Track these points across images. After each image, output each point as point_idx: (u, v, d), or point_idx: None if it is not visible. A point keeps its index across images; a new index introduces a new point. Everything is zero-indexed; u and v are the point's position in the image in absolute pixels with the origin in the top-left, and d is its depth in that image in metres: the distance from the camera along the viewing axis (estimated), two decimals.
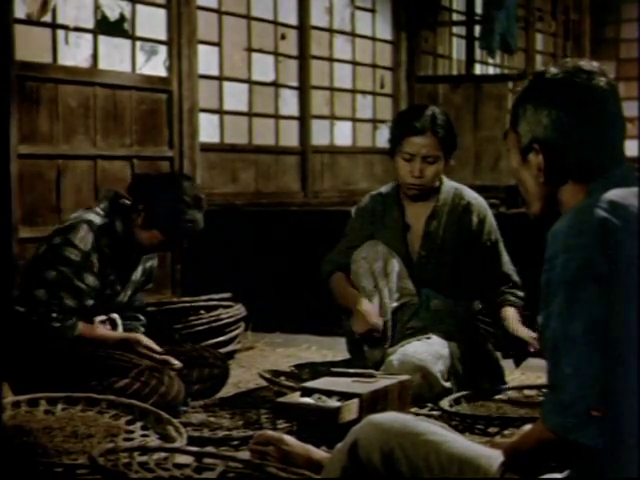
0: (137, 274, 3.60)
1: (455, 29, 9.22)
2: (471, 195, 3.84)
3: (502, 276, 3.75)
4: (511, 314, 3.64)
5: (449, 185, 3.81)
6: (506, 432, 3.06)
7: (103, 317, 3.49)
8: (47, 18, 5.13)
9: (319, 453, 2.44)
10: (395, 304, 3.68)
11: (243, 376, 4.09)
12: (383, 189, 3.91)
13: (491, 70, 9.70)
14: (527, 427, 2.14)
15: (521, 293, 3.72)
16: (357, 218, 3.87)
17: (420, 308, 3.73)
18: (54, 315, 3.28)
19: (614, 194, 1.79)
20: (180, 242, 3.70)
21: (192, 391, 3.49)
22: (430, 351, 3.56)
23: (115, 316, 3.53)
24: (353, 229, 3.86)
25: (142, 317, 3.70)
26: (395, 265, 3.71)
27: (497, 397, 3.53)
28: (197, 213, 3.46)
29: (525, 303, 3.70)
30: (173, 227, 3.45)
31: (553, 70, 1.92)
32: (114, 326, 3.50)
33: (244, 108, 6.83)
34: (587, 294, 1.71)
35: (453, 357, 3.62)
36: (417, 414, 3.15)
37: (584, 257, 1.72)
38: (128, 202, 3.50)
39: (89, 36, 5.40)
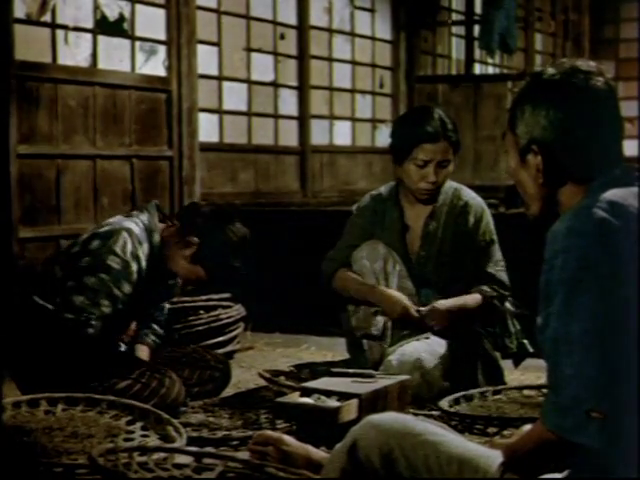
0: (162, 290, 3.60)
1: (454, 29, 9.21)
2: (469, 195, 3.84)
3: (486, 276, 3.74)
4: (462, 296, 3.65)
5: (448, 185, 3.81)
6: (505, 432, 3.07)
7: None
8: (47, 18, 5.12)
9: (318, 453, 2.44)
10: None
11: (242, 376, 4.09)
12: (382, 189, 3.91)
13: (490, 70, 9.70)
14: (527, 427, 2.15)
15: (505, 291, 3.72)
16: (358, 217, 3.87)
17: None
18: (92, 323, 3.27)
19: (613, 194, 1.79)
20: (218, 285, 3.72)
21: (192, 393, 3.50)
22: (429, 351, 3.56)
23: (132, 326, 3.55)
24: (354, 228, 3.86)
25: (159, 330, 3.69)
26: (395, 265, 3.71)
27: (496, 397, 3.52)
28: (243, 259, 3.48)
29: (520, 302, 3.70)
30: (220, 273, 3.46)
31: (550, 71, 1.92)
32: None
33: (243, 108, 6.82)
34: (587, 294, 1.71)
35: (452, 357, 3.62)
36: (416, 414, 3.15)
37: (583, 257, 1.72)
38: (171, 223, 3.49)
39: (88, 36, 5.39)
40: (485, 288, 3.71)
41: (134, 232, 3.36)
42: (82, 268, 3.31)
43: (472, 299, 3.69)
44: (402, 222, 3.81)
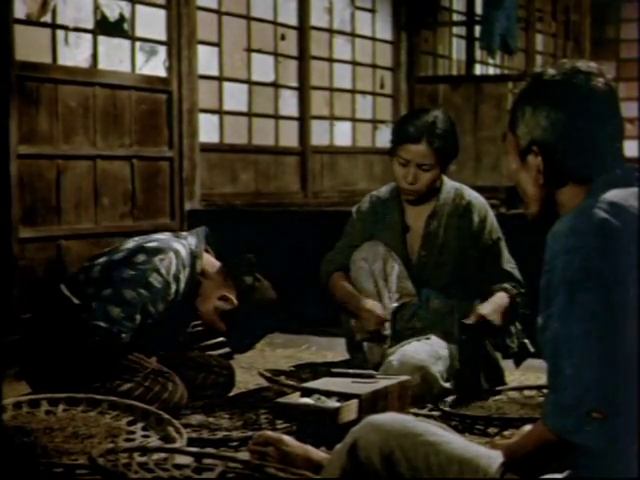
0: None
1: (455, 29, 9.21)
2: (472, 195, 3.83)
3: (504, 274, 3.74)
4: (494, 298, 3.59)
5: (450, 185, 3.81)
6: (506, 432, 3.07)
7: None
8: (47, 18, 5.12)
9: (318, 454, 2.44)
10: (395, 304, 3.68)
11: (242, 377, 4.08)
12: (383, 190, 3.91)
13: (491, 70, 9.70)
14: (527, 427, 2.14)
15: (523, 290, 3.70)
16: (358, 218, 3.87)
17: (420, 308, 3.73)
18: (123, 336, 3.27)
19: (614, 195, 1.79)
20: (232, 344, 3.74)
21: (195, 397, 3.49)
22: (430, 351, 3.56)
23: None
24: (354, 229, 3.86)
25: None
26: (395, 266, 3.70)
27: (497, 397, 3.52)
28: (265, 330, 3.54)
29: (525, 303, 3.69)
30: (240, 335, 3.48)
31: (551, 71, 1.92)
32: None
33: (244, 108, 6.82)
34: (588, 295, 1.71)
35: (453, 357, 3.62)
36: (417, 415, 3.15)
37: (584, 258, 1.72)
38: (213, 255, 3.49)
39: (89, 36, 5.39)
40: (508, 286, 3.68)
41: (181, 255, 3.36)
42: (123, 280, 3.30)
43: (502, 299, 3.62)
44: (403, 222, 3.81)
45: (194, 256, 3.42)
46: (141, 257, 3.33)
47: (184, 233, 3.56)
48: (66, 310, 3.32)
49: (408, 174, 3.67)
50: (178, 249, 3.36)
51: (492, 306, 3.56)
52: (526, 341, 3.71)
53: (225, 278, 3.46)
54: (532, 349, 3.68)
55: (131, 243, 3.42)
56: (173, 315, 3.47)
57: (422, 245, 3.78)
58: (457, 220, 3.78)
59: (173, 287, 3.33)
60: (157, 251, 3.33)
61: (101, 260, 3.43)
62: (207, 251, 3.52)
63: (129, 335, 3.29)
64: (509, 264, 3.77)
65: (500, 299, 3.62)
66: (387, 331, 3.64)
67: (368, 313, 3.58)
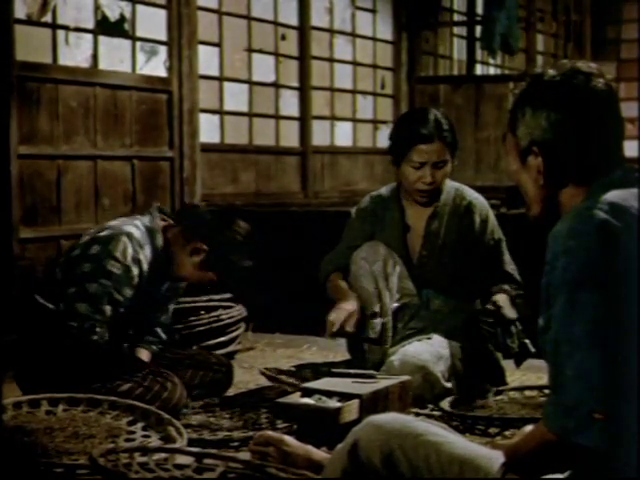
0: (163, 290, 3.59)
1: (456, 29, 9.21)
2: (472, 195, 3.83)
3: (504, 275, 3.74)
4: (502, 298, 3.59)
5: (450, 185, 3.81)
6: (507, 433, 3.07)
7: None
8: (47, 18, 5.12)
9: (319, 454, 2.44)
10: (396, 304, 3.68)
11: (243, 377, 4.09)
12: (383, 190, 3.91)
13: (492, 71, 9.70)
14: (528, 428, 2.14)
15: (522, 292, 3.71)
16: (357, 218, 3.87)
17: (420, 308, 3.73)
18: (97, 330, 3.27)
19: (614, 195, 1.79)
20: (229, 285, 3.72)
21: (193, 395, 3.50)
22: (431, 351, 3.56)
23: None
24: (353, 229, 3.86)
25: (162, 334, 3.68)
26: (395, 266, 3.70)
27: (498, 398, 3.52)
28: (251, 258, 3.48)
29: (525, 304, 3.69)
30: (232, 275, 3.46)
31: (551, 72, 1.92)
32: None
33: (244, 108, 6.82)
34: (588, 296, 1.70)
35: (454, 357, 3.62)
36: (418, 415, 3.16)
37: (585, 259, 1.72)
38: (172, 222, 3.49)
39: (89, 36, 5.39)
40: (507, 287, 3.69)
41: (134, 236, 3.35)
42: (83, 274, 3.30)
43: (504, 299, 3.64)
44: (403, 222, 3.80)
45: (151, 232, 3.42)
46: (95, 248, 3.33)
47: (137, 215, 3.55)
48: (45, 318, 3.33)
49: (425, 175, 3.66)
50: (130, 231, 3.36)
51: (505, 300, 3.57)
52: (527, 341, 3.71)
53: (187, 235, 3.45)
54: (533, 349, 3.68)
55: (85, 237, 3.42)
56: (155, 292, 3.50)
57: (423, 245, 3.78)
58: (458, 220, 3.78)
59: (135, 270, 3.33)
60: (109, 238, 3.33)
61: (61, 260, 3.46)
62: (165, 220, 3.50)
63: (105, 328, 3.28)
64: (510, 266, 3.77)
65: (503, 299, 3.62)
66: (388, 332, 3.64)
67: (331, 319, 3.54)
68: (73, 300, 3.28)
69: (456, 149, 3.75)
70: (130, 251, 3.31)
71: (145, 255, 3.37)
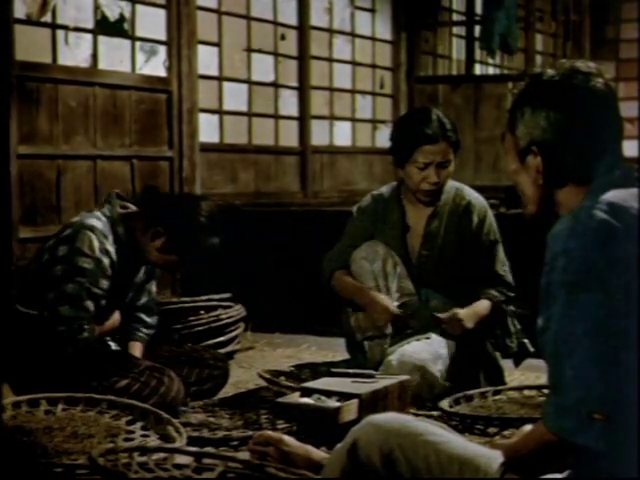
0: (139, 275, 3.59)
1: (455, 29, 9.21)
2: (472, 195, 3.84)
3: (494, 276, 3.75)
4: (476, 304, 3.64)
5: (450, 185, 3.81)
6: (506, 432, 3.07)
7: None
8: (47, 18, 5.13)
9: (319, 453, 2.44)
10: (395, 304, 3.68)
11: (243, 376, 4.09)
12: (384, 189, 3.91)
13: (491, 70, 9.70)
14: (527, 427, 2.14)
15: (511, 293, 3.72)
16: (358, 217, 3.87)
17: (419, 308, 3.73)
18: (85, 327, 3.28)
19: (613, 195, 1.79)
20: (196, 267, 3.69)
21: (190, 392, 3.50)
22: (429, 351, 3.56)
23: (117, 317, 3.53)
24: (354, 228, 3.86)
25: (148, 319, 3.68)
26: (395, 266, 3.71)
27: (497, 397, 3.52)
28: (216, 236, 3.44)
29: (522, 303, 3.70)
30: (195, 257, 3.45)
31: (550, 72, 1.92)
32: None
33: (244, 108, 6.82)
34: (588, 296, 1.70)
35: (453, 357, 3.62)
36: (417, 414, 3.15)
37: (585, 259, 1.72)
38: (133, 208, 3.48)
39: (89, 36, 5.40)
40: (494, 293, 3.70)
41: (97, 227, 3.35)
42: (57, 277, 3.30)
43: (484, 307, 3.67)
44: (403, 222, 3.81)
45: (112, 221, 3.42)
46: (63, 249, 3.33)
47: (97, 207, 3.55)
48: (31, 326, 3.33)
49: (430, 176, 3.66)
50: (92, 224, 3.36)
51: (470, 311, 3.61)
52: (525, 341, 3.72)
53: (147, 220, 3.44)
54: (532, 349, 3.69)
55: (50, 241, 3.42)
56: (133, 273, 3.52)
57: (422, 244, 3.78)
58: (457, 220, 3.78)
59: (105, 261, 3.33)
60: (74, 236, 3.33)
61: (32, 267, 3.45)
62: (125, 207, 3.50)
63: (91, 325, 3.29)
64: (503, 267, 3.77)
65: (482, 307, 3.66)
66: (389, 330, 3.65)
67: (381, 307, 3.59)
68: (54, 305, 3.28)
69: (459, 148, 3.75)
70: (96, 243, 3.32)
71: (111, 244, 3.38)
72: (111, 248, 3.36)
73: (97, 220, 3.39)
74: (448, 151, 3.68)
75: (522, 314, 3.71)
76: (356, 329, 3.71)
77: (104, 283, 3.33)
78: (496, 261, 3.77)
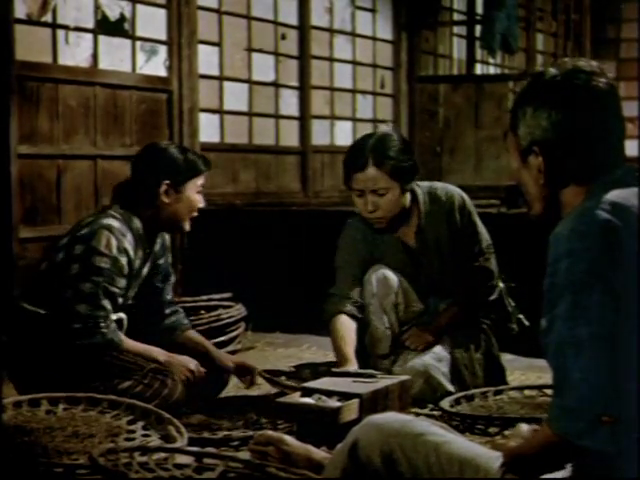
0: (145, 269, 3.58)
1: (456, 29, 9.21)
2: (443, 190, 3.70)
3: (473, 270, 3.67)
4: (443, 314, 3.68)
5: (421, 194, 3.66)
6: (507, 432, 3.06)
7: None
8: (47, 18, 5.12)
9: (319, 453, 2.44)
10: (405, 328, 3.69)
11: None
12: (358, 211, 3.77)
13: (492, 70, 9.70)
14: (522, 426, 2.14)
15: (494, 281, 3.69)
16: (345, 246, 3.73)
17: (423, 314, 3.72)
18: (101, 325, 3.28)
19: (615, 195, 1.78)
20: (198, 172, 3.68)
21: (192, 393, 3.49)
22: (431, 354, 3.57)
23: (122, 316, 3.52)
24: (345, 258, 3.72)
25: (180, 309, 3.72)
26: (405, 294, 3.67)
27: (498, 397, 3.52)
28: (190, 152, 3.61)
29: (505, 276, 3.70)
30: (187, 166, 3.51)
31: (552, 71, 1.91)
32: (120, 327, 3.49)
33: (244, 108, 6.82)
34: (593, 297, 1.70)
35: (459, 363, 3.60)
36: (417, 414, 3.15)
37: (588, 260, 1.71)
38: (134, 195, 3.49)
39: (89, 36, 5.40)
40: (465, 300, 3.68)
41: (114, 226, 3.36)
42: (74, 275, 3.31)
43: (448, 317, 3.68)
44: (400, 241, 3.70)
45: (127, 218, 3.42)
46: (79, 247, 3.33)
47: (105, 208, 3.56)
48: (38, 324, 3.33)
49: (366, 203, 3.52)
50: (109, 223, 3.36)
51: (432, 325, 3.66)
52: (521, 316, 3.72)
53: (152, 196, 3.47)
54: (527, 323, 3.70)
55: (64, 239, 3.42)
56: (154, 272, 3.58)
57: (421, 256, 3.71)
58: (446, 219, 3.65)
59: (123, 259, 3.34)
60: (91, 235, 3.33)
61: (44, 265, 3.45)
62: (133, 200, 3.50)
63: (110, 322, 3.30)
64: (482, 256, 3.66)
65: (447, 317, 3.68)
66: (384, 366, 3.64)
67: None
68: (71, 303, 3.28)
69: (407, 172, 3.54)
70: (114, 242, 3.32)
71: (129, 242, 3.38)
72: (129, 246, 3.37)
73: (113, 219, 3.40)
74: (380, 178, 3.49)
75: (510, 287, 3.71)
76: (368, 346, 3.69)
77: (121, 282, 3.34)
78: (476, 251, 3.66)
